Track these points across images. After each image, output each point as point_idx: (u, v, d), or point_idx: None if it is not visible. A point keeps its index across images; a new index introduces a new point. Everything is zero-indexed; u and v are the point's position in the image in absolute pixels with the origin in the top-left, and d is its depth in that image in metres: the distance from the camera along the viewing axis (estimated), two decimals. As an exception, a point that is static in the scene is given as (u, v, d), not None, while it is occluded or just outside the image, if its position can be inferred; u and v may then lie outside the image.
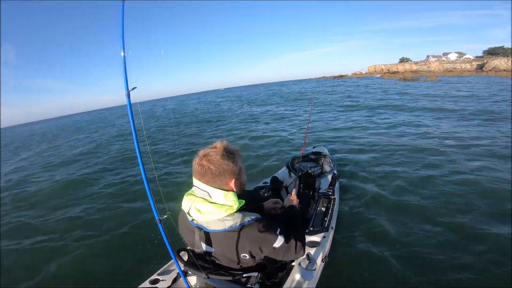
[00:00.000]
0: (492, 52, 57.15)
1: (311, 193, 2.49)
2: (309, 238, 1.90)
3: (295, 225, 1.35)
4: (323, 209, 2.34)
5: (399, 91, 17.85)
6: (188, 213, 1.21)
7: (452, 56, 64.99)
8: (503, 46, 57.00)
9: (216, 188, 1.14)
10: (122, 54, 1.20)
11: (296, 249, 1.22)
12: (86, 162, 8.03)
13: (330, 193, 2.46)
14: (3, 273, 2.82)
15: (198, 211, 1.15)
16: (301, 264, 1.63)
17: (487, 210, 2.93)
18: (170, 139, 9.85)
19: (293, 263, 1.65)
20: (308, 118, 4.98)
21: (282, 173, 3.18)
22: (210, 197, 1.15)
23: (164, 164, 6.36)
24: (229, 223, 1.12)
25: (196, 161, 1.16)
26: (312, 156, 3.44)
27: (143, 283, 1.64)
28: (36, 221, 3.99)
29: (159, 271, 1.75)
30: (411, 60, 68.96)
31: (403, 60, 72.04)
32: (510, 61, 35.91)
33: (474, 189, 3.40)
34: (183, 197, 1.25)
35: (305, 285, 1.51)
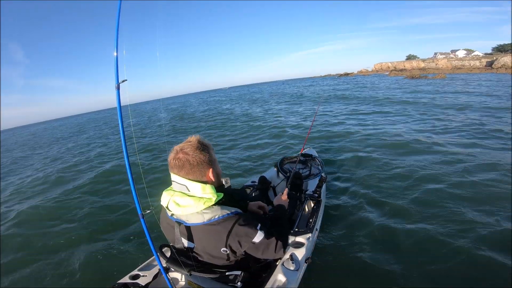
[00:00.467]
0: (501, 49, 55.97)
1: (298, 194, 2.50)
2: (293, 239, 1.90)
3: (280, 224, 1.36)
4: (310, 210, 2.34)
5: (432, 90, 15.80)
6: (167, 207, 1.22)
7: (461, 53, 63.82)
8: (512, 43, 55.76)
9: (194, 181, 1.16)
10: (115, 53, 1.18)
11: (276, 247, 1.22)
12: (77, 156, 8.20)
13: (317, 195, 2.46)
14: None
15: (177, 205, 1.16)
16: (284, 265, 1.63)
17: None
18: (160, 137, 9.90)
19: (276, 263, 1.65)
20: (313, 117, 4.92)
21: (270, 173, 3.20)
22: (189, 190, 1.16)
23: (149, 159, 6.44)
24: (208, 216, 1.13)
25: (172, 156, 1.18)
26: (301, 158, 3.45)
27: (123, 278, 1.62)
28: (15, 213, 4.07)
29: (140, 267, 1.73)
30: (418, 57, 68.00)
31: (410, 57, 71.13)
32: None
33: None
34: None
35: (287, 285, 1.50)
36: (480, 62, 44.16)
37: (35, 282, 2.55)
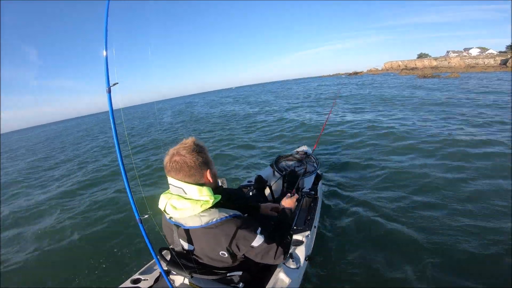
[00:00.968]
0: (516, 47, 54.20)
1: (294, 192, 2.49)
2: (292, 237, 1.89)
3: (282, 230, 1.35)
4: (307, 208, 2.34)
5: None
6: (165, 210, 1.21)
7: (474, 52, 62.06)
8: (528, 40, 53.87)
9: (191, 183, 1.15)
10: (104, 53, 1.16)
11: (276, 253, 1.20)
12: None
13: (314, 192, 2.45)
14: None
15: (174, 208, 1.16)
16: (284, 263, 1.63)
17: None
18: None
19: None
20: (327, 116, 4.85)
21: (266, 172, 3.20)
22: (185, 193, 1.15)
23: (145, 162, 6.41)
24: (205, 219, 1.12)
25: (167, 159, 1.17)
26: (297, 156, 3.46)
27: (124, 283, 1.62)
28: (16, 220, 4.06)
29: (140, 270, 1.73)
30: (430, 56, 66.57)
31: (421, 56, 69.69)
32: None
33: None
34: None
35: (289, 283, 1.50)
36: (494, 60, 42.91)
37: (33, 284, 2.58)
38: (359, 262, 2.32)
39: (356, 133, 6.67)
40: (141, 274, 1.69)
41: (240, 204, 1.37)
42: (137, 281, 1.63)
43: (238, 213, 1.19)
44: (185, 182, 1.14)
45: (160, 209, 1.26)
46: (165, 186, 1.27)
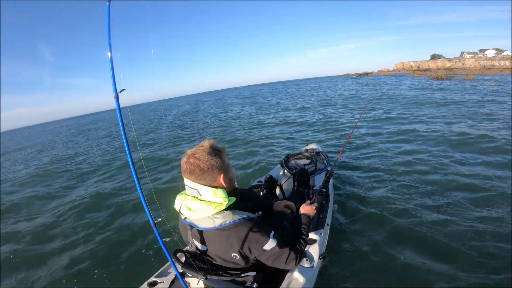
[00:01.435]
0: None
1: (305, 190, 2.49)
2: (307, 244, 1.89)
3: (298, 235, 1.34)
4: (319, 206, 2.33)
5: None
6: (180, 211, 1.23)
7: (490, 53, 60.29)
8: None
9: (205, 185, 1.15)
10: (109, 54, 1.15)
11: (287, 258, 1.19)
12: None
13: (325, 190, 2.45)
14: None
15: (188, 209, 1.17)
16: None
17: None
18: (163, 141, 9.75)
19: None
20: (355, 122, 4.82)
21: (276, 171, 3.20)
22: (200, 194, 1.16)
23: (156, 166, 6.33)
24: (218, 221, 1.13)
25: (184, 160, 1.18)
26: (306, 154, 3.46)
27: (141, 286, 1.64)
28: (32, 226, 4.02)
29: (156, 273, 1.75)
30: (443, 57, 65.02)
31: (435, 57, 68.16)
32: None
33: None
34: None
35: (303, 282, 1.50)
36: (510, 62, 41.56)
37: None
38: (374, 260, 2.29)
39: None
40: (157, 277, 1.71)
41: (249, 205, 1.38)
42: (153, 284, 1.65)
43: (251, 215, 1.20)
44: (199, 183, 1.16)
45: (174, 209, 1.27)
46: (177, 189, 1.27)
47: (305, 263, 1.63)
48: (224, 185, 1.20)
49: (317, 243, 1.82)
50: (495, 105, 9.01)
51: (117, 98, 1.18)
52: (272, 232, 1.18)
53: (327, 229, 2.07)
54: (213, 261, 1.25)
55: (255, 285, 1.23)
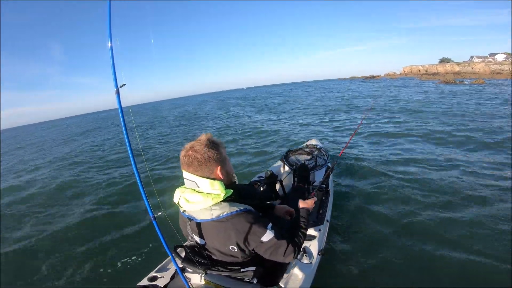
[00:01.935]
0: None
1: (305, 186, 2.50)
2: (305, 237, 1.88)
3: (296, 228, 1.35)
4: (318, 202, 2.33)
5: None
6: (179, 203, 1.25)
7: (500, 57, 59.36)
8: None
9: (202, 177, 1.17)
10: (109, 44, 1.16)
11: (285, 251, 1.19)
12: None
13: (325, 186, 2.45)
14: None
15: (187, 201, 1.19)
16: (298, 258, 1.63)
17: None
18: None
19: None
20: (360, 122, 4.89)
21: (276, 166, 3.20)
22: (198, 186, 1.18)
23: (157, 161, 6.42)
24: (216, 213, 1.14)
25: (182, 153, 1.20)
26: (306, 149, 3.45)
27: (142, 281, 1.65)
28: (32, 220, 4.08)
29: (157, 268, 1.76)
30: (452, 61, 64.24)
31: (443, 61, 67.38)
32: None
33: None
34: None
35: (302, 278, 1.51)
36: (521, 66, 40.82)
37: (49, 282, 2.59)
38: (373, 256, 2.31)
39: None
40: (157, 272, 1.73)
41: (254, 204, 1.36)
42: (153, 278, 1.66)
43: (249, 207, 1.20)
44: (197, 175, 1.17)
45: (175, 203, 1.28)
46: (177, 184, 1.28)
47: (304, 259, 1.63)
48: (222, 177, 1.21)
49: (317, 239, 1.83)
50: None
51: (117, 93, 1.19)
52: (270, 224, 1.19)
53: (326, 225, 2.08)
54: (212, 256, 1.26)
55: (254, 280, 1.24)
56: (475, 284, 1.97)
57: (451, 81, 26.79)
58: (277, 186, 2.47)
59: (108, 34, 1.14)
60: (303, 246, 1.66)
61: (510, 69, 40.72)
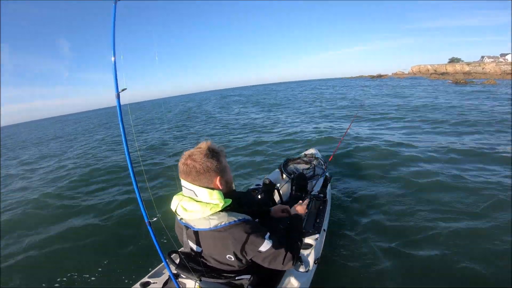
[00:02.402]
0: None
1: (303, 195, 2.50)
2: (302, 243, 1.88)
3: (293, 236, 1.34)
4: (316, 211, 2.34)
5: None
6: (176, 211, 1.24)
7: (511, 57, 58.01)
8: None
9: (201, 186, 1.16)
10: (113, 59, 1.17)
11: (284, 259, 1.18)
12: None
13: (322, 195, 2.44)
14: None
15: (184, 210, 1.18)
16: (294, 267, 1.61)
17: None
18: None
19: None
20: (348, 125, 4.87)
21: (274, 175, 3.21)
22: (196, 196, 1.17)
23: (154, 165, 6.34)
24: (214, 222, 1.12)
25: (181, 162, 1.18)
26: (305, 158, 3.46)
27: (134, 286, 1.63)
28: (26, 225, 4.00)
29: (150, 274, 1.74)
30: (462, 61, 62.98)
31: (453, 60, 66.11)
32: None
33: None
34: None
35: (298, 287, 1.50)
36: (533, 67, 39.87)
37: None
38: (369, 266, 2.30)
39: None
40: (150, 277, 1.70)
41: (251, 209, 1.37)
42: (146, 284, 1.64)
43: (247, 217, 1.19)
44: (195, 185, 1.16)
45: (165, 213, 1.27)
46: (174, 189, 1.28)
47: (300, 268, 1.63)
48: (221, 187, 1.19)
49: (313, 248, 1.82)
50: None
51: (118, 97, 1.21)
52: (268, 234, 1.18)
53: (323, 234, 2.08)
54: (208, 263, 1.25)
55: None
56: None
57: (461, 81, 25.88)
58: (276, 195, 2.47)
59: (112, 47, 1.15)
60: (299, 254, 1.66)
61: (521, 70, 39.76)
